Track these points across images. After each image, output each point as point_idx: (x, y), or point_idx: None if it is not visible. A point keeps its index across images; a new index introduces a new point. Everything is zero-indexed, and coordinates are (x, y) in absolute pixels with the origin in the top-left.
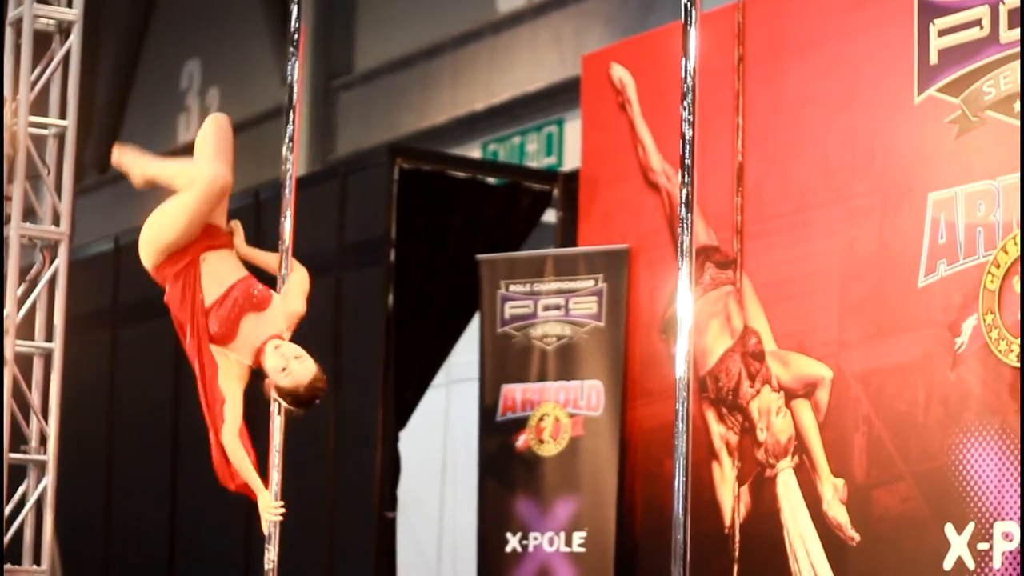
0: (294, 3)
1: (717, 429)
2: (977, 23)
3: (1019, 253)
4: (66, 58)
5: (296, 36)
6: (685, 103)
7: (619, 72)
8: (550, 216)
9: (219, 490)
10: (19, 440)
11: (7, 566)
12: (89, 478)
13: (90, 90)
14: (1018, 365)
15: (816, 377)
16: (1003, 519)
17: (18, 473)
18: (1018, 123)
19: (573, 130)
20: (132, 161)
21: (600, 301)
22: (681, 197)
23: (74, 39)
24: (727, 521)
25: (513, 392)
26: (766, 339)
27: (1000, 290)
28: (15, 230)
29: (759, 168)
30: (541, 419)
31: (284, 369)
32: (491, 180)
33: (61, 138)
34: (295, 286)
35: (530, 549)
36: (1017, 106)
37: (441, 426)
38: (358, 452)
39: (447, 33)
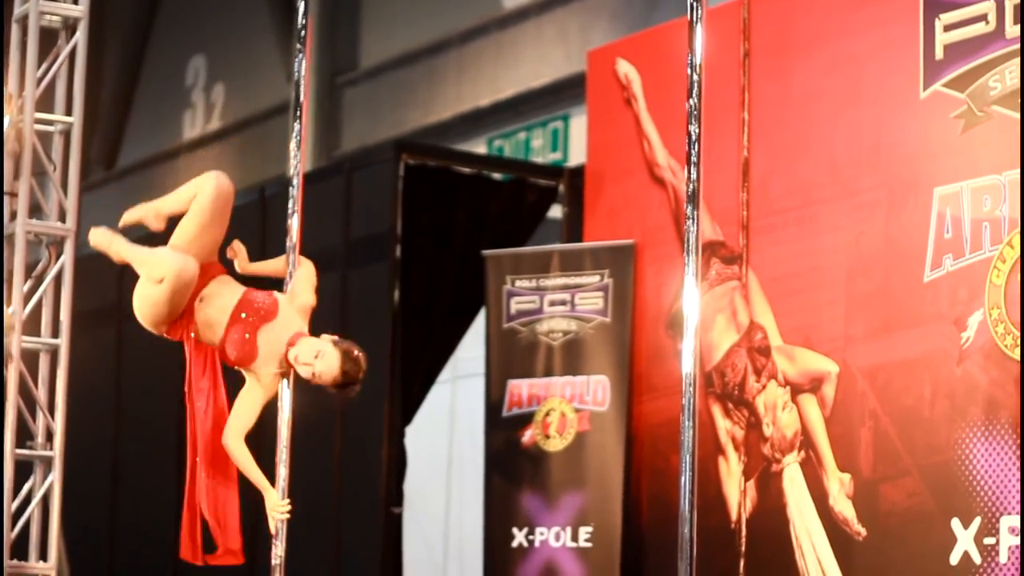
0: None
1: (723, 424)
2: (983, 18)
3: (1021, 250)
4: (72, 55)
5: (303, 33)
6: (691, 99)
7: (625, 68)
8: (556, 212)
9: None
10: (25, 436)
11: (13, 562)
12: (95, 474)
13: (96, 86)
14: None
15: (822, 372)
16: (1009, 514)
17: (24, 469)
18: None
19: (579, 126)
20: (109, 241)
21: (606, 296)
22: (687, 192)
23: (80, 35)
24: (733, 516)
25: (519, 387)
26: (772, 334)
27: (1006, 285)
28: (21, 226)
29: (765, 163)
30: (547, 414)
31: (314, 375)
32: (496, 176)
33: (67, 134)
34: (302, 280)
35: (536, 544)
36: None
37: (447, 422)
38: (364, 448)
39: (452, 29)
